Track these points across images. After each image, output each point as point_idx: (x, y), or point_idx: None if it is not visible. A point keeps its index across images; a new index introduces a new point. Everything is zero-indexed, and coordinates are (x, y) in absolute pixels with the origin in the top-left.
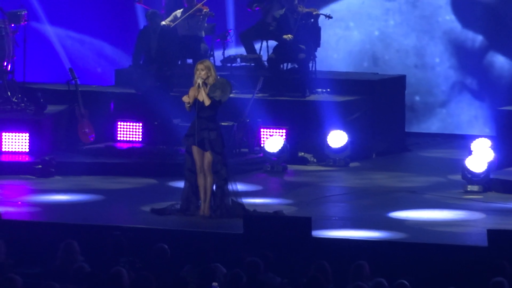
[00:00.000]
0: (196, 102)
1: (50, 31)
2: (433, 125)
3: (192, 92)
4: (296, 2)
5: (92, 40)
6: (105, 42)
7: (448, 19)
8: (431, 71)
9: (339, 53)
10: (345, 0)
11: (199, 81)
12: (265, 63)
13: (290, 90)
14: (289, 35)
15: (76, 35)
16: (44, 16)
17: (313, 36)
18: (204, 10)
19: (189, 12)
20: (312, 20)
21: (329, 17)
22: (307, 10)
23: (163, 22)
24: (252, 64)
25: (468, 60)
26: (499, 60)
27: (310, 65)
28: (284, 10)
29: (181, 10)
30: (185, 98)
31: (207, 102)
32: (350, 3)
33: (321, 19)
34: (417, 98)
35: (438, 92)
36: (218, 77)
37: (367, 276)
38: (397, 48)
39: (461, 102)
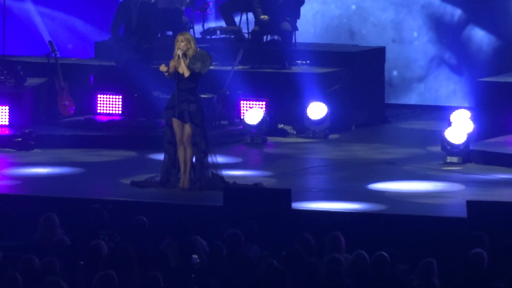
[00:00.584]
0: (176, 74)
1: (30, 4)
2: (411, 100)
3: (172, 63)
4: None
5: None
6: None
7: None
8: (409, 46)
9: (316, 28)
10: None
11: (179, 52)
12: (245, 35)
13: (270, 62)
14: (265, 16)
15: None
16: None
17: (296, 7)
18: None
19: None
20: None
21: None
22: None
23: None
24: (232, 36)
25: (447, 34)
26: (478, 34)
27: (292, 35)
28: None
29: None
30: (162, 67)
31: (186, 73)
32: None
33: None
34: (395, 73)
35: (416, 66)
36: (198, 49)
37: (343, 247)
38: (374, 22)
39: (440, 76)
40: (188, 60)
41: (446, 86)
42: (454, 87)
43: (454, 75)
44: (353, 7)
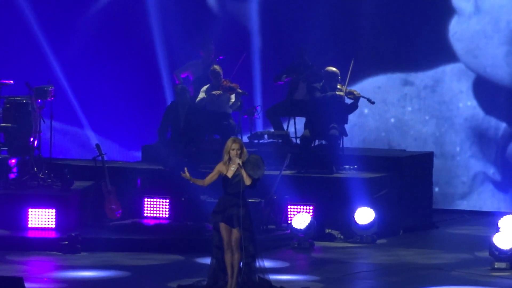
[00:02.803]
0: (224, 179)
1: (77, 106)
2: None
3: (219, 167)
4: (339, 81)
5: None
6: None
7: (470, 105)
8: (451, 161)
9: (353, 141)
10: (359, 85)
11: (239, 161)
12: (293, 139)
13: (317, 167)
14: (218, 91)
15: (102, 111)
16: (70, 92)
17: (344, 113)
18: (237, 89)
19: (218, 92)
20: (353, 100)
21: (371, 102)
22: (349, 90)
23: (200, 97)
24: (280, 141)
25: (490, 149)
26: None
27: (340, 141)
28: (321, 84)
29: (208, 86)
30: (185, 175)
31: (248, 181)
32: (364, 88)
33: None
34: (436, 189)
35: (458, 183)
36: (250, 154)
37: None
38: (414, 136)
39: (483, 193)
40: (244, 167)
41: (490, 205)
42: (498, 205)
43: (499, 193)
44: (392, 120)
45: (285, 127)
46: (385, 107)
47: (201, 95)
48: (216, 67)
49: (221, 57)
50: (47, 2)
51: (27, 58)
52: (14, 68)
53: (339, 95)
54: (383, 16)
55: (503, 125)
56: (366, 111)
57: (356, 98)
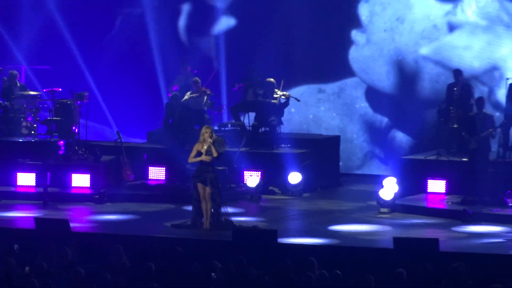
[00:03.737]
0: (199, 154)
1: (104, 106)
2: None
3: (197, 146)
4: (275, 87)
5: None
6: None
7: (363, 106)
8: (350, 144)
9: (286, 129)
10: (289, 91)
11: (210, 141)
12: (248, 127)
13: (263, 146)
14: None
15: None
16: (99, 96)
17: (280, 109)
18: (208, 92)
19: (196, 94)
20: (284, 100)
21: (297, 100)
22: (282, 92)
23: (185, 99)
24: (238, 128)
25: (377, 136)
26: (399, 136)
27: (278, 129)
28: (263, 91)
29: (190, 92)
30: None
31: (215, 154)
32: (291, 93)
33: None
34: (341, 163)
35: (355, 158)
36: (216, 136)
37: (315, 266)
38: (326, 127)
39: (372, 165)
40: (213, 146)
41: (377, 172)
42: (382, 172)
43: (382, 164)
44: (311, 116)
45: (242, 119)
46: (306, 107)
47: (186, 97)
48: (196, 78)
49: (195, 71)
50: (82, 30)
51: (70, 71)
52: (60, 78)
53: (273, 103)
54: (306, 44)
55: (385, 120)
56: (293, 110)
57: (287, 98)
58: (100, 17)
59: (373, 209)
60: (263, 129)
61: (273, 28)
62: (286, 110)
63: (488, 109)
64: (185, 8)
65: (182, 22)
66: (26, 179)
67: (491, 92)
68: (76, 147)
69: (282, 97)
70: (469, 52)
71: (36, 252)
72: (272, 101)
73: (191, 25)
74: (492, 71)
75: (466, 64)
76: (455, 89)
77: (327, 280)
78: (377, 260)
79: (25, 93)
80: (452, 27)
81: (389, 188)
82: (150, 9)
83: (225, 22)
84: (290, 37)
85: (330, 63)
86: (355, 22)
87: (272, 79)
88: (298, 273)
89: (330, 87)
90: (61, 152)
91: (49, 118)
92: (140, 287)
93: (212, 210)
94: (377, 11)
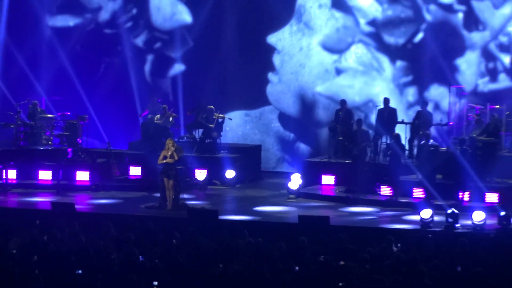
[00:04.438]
0: (165, 158)
1: (98, 124)
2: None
3: (163, 153)
4: (214, 111)
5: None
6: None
7: (277, 125)
8: (267, 152)
9: (222, 141)
10: (225, 114)
11: (172, 148)
12: (197, 139)
13: (208, 152)
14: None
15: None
16: (95, 117)
17: (220, 127)
18: (173, 115)
19: (165, 117)
20: (221, 120)
21: (230, 119)
22: (220, 115)
23: (155, 121)
24: (191, 140)
25: (286, 146)
26: (301, 146)
27: (218, 140)
28: (206, 114)
29: (159, 115)
30: (160, 160)
31: (176, 157)
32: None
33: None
34: (261, 164)
35: (271, 162)
36: (176, 145)
37: (245, 236)
38: (251, 140)
39: (283, 167)
40: (175, 152)
41: (286, 171)
42: (290, 170)
43: (290, 166)
44: (240, 133)
45: (193, 133)
46: (236, 127)
47: (156, 118)
48: (164, 105)
49: (159, 100)
50: (82, 71)
51: (74, 100)
52: (68, 105)
53: (211, 126)
54: (237, 82)
55: (292, 135)
56: (227, 128)
57: (223, 119)
58: (94, 62)
59: (284, 195)
60: (207, 140)
61: (213, 70)
62: (224, 126)
63: (364, 127)
64: (149, 57)
65: (147, 67)
66: (44, 175)
67: (367, 116)
68: (80, 153)
69: (219, 118)
70: (351, 89)
71: (52, 225)
72: (210, 125)
73: (154, 70)
74: (368, 103)
75: (349, 98)
76: (340, 113)
77: (252, 245)
78: (287, 231)
79: (44, 116)
80: (339, 71)
81: (295, 181)
82: (126, 58)
83: (178, 68)
84: (226, 77)
85: (254, 95)
86: (271, 67)
87: (212, 106)
88: (233, 240)
89: (253, 112)
90: (69, 156)
91: (61, 133)
92: (124, 251)
93: (173, 196)
94: (286, 60)
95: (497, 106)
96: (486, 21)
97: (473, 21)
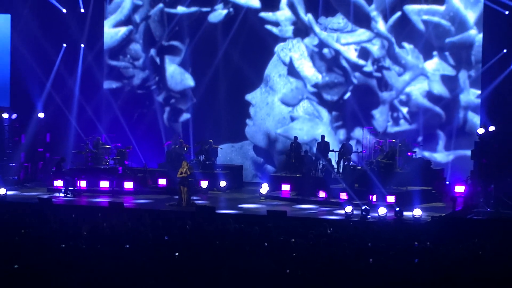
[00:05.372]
0: (181, 173)
1: (138, 151)
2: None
3: (180, 170)
4: (212, 144)
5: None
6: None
7: (252, 154)
8: (246, 170)
9: (218, 162)
10: (219, 146)
11: (186, 167)
12: (202, 161)
13: (208, 169)
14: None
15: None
16: (136, 146)
17: (216, 153)
18: (186, 146)
19: (181, 147)
20: (216, 149)
21: (221, 148)
22: (215, 146)
23: (175, 149)
24: (198, 162)
25: (258, 167)
26: (268, 167)
27: (215, 161)
28: (208, 145)
29: (177, 145)
30: (179, 174)
31: (189, 173)
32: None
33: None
34: (243, 177)
35: (248, 176)
36: (189, 165)
37: (231, 223)
38: (235, 162)
39: (256, 179)
40: (188, 169)
41: (258, 181)
42: (261, 181)
43: (260, 179)
44: (228, 158)
45: (199, 157)
46: (225, 153)
47: (175, 147)
48: (181, 139)
49: (180, 136)
50: (131, 116)
51: (122, 136)
52: (119, 139)
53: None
54: (226, 122)
55: (262, 159)
56: (220, 155)
57: (217, 148)
58: (132, 111)
59: (257, 197)
60: (208, 162)
61: (210, 117)
62: (218, 153)
63: (309, 154)
64: (167, 109)
65: (165, 115)
66: (104, 184)
67: (311, 148)
68: (127, 170)
69: (215, 148)
70: (301, 131)
71: (108, 217)
72: (213, 146)
73: (170, 117)
74: (312, 140)
75: (300, 136)
76: (293, 145)
77: (237, 229)
78: (259, 220)
79: (103, 146)
80: (293, 119)
81: (264, 188)
82: (152, 109)
83: (185, 116)
84: (219, 121)
85: (237, 134)
86: (248, 115)
87: (211, 140)
88: (224, 226)
89: (237, 144)
90: (120, 172)
91: (114, 157)
92: (154, 233)
93: (187, 198)
94: (257, 111)
95: (393, 140)
96: (393, 84)
97: (383, 84)
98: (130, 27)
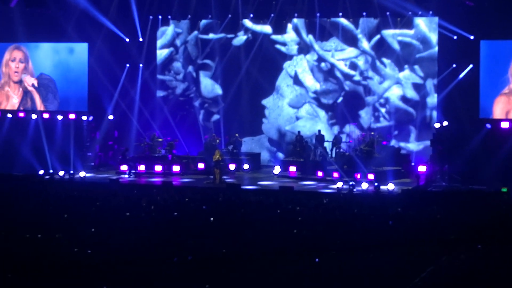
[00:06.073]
0: (215, 158)
1: (183, 142)
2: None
3: (214, 156)
4: (238, 136)
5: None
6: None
7: (267, 144)
8: (263, 156)
9: (242, 151)
10: (242, 139)
11: (218, 154)
12: (230, 149)
13: (235, 156)
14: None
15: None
16: (182, 141)
17: (240, 144)
18: (218, 138)
19: (215, 139)
20: (240, 141)
21: (244, 141)
22: (240, 138)
23: (210, 141)
24: (227, 150)
25: (272, 154)
26: (279, 154)
27: (240, 149)
28: (234, 138)
29: (212, 138)
30: (213, 159)
31: (221, 159)
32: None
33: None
34: (260, 162)
35: (266, 160)
36: (220, 152)
37: (253, 196)
38: (254, 151)
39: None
40: (220, 156)
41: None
42: (275, 164)
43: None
44: (243, 145)
45: (229, 147)
46: (247, 144)
47: (211, 140)
48: (214, 134)
49: (214, 134)
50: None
51: (171, 133)
52: (169, 135)
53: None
54: (247, 120)
55: (274, 149)
56: (243, 145)
57: (241, 140)
58: (175, 114)
59: (271, 177)
60: (235, 151)
61: (235, 117)
62: (243, 143)
63: (310, 145)
64: (202, 111)
65: (200, 117)
66: (158, 168)
67: (311, 140)
68: (175, 157)
69: (240, 140)
70: (304, 128)
71: (161, 192)
72: (239, 139)
73: (204, 118)
74: (313, 135)
75: (303, 132)
76: (297, 137)
77: (256, 200)
78: (273, 194)
79: (157, 140)
80: (298, 118)
81: (277, 170)
82: (192, 112)
83: (216, 117)
84: (242, 120)
85: (255, 129)
86: (264, 115)
87: (237, 134)
88: (247, 198)
89: (256, 137)
90: (169, 159)
91: (165, 148)
92: (196, 204)
93: (219, 177)
94: (271, 112)
95: (372, 133)
96: (375, 90)
97: (368, 90)
98: (172, 48)
